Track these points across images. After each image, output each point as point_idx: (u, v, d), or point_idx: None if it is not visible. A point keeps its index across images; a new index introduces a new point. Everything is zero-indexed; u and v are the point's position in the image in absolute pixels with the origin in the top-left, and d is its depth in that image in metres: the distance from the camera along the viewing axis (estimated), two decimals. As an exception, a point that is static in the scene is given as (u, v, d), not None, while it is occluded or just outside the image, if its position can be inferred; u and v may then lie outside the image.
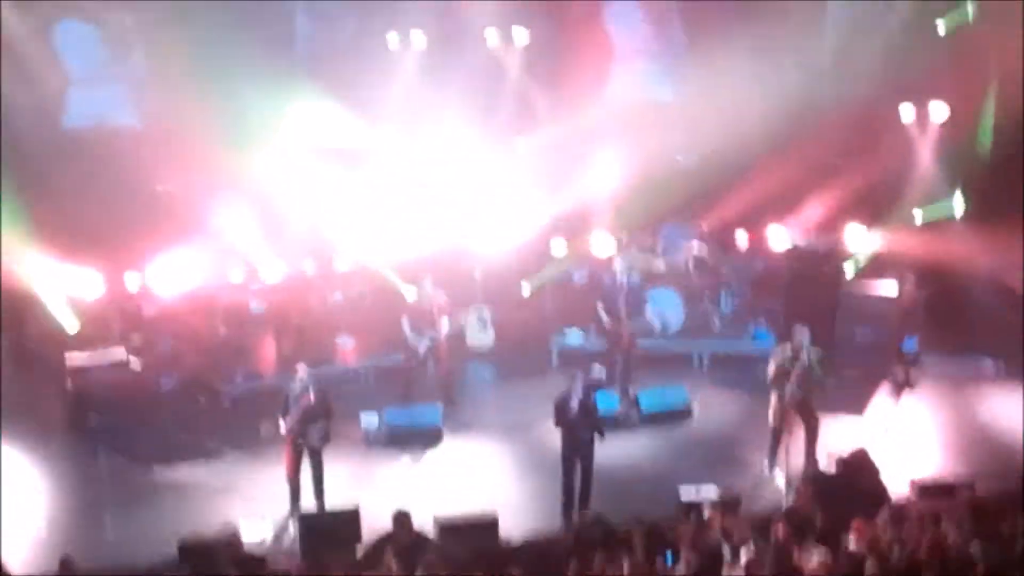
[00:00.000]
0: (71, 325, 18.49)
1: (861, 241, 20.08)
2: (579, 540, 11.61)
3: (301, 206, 20.47)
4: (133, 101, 21.52)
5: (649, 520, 11.31)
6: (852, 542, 10.29)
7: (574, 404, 14.31)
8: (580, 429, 14.36)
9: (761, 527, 10.69)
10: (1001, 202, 19.24)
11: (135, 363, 17.93)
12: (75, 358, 17.67)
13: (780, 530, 10.46)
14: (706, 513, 12.21)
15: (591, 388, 15.07)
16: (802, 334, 15.11)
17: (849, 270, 20.04)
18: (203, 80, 19.21)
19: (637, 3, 22.99)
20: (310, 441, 14.54)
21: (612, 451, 15.14)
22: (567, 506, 14.44)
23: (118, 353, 17.94)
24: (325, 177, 20.36)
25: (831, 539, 10.38)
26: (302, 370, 14.84)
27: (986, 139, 20.60)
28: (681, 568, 10.37)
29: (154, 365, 18.33)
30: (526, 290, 20.89)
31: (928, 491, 13.49)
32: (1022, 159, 19.28)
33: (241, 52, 19.51)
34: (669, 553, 10.62)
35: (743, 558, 10.22)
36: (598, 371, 16.93)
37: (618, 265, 18.43)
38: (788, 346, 15.21)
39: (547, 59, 22.03)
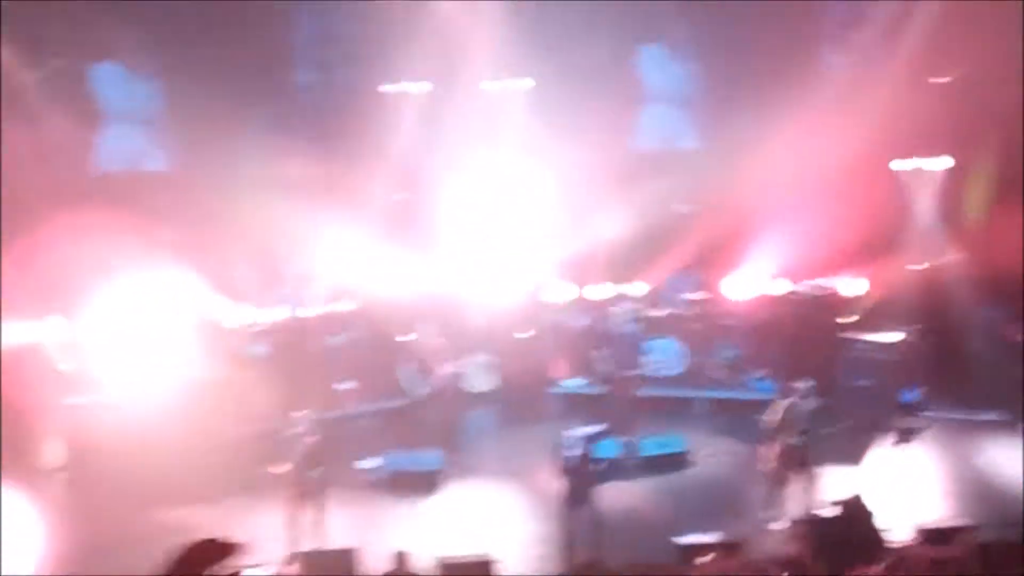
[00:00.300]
0: (67, 367, 18.49)
1: (862, 291, 20.15)
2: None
3: (302, 251, 20.47)
4: (149, 147, 21.61)
5: (645, 565, 11.29)
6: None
7: (573, 452, 14.31)
8: (579, 476, 14.36)
9: (759, 574, 10.66)
10: (999, 252, 19.28)
11: (133, 405, 17.90)
12: (72, 399, 17.66)
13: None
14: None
15: (590, 437, 15.05)
16: (802, 384, 15.21)
17: (850, 320, 20.08)
18: (207, 126, 19.27)
19: (666, 47, 22.95)
20: (310, 485, 14.53)
21: (611, 496, 15.12)
22: (565, 551, 14.38)
23: (115, 395, 17.93)
24: (326, 222, 20.37)
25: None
26: (302, 413, 14.87)
27: (984, 189, 20.71)
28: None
29: (154, 407, 18.27)
30: (527, 337, 20.85)
31: (929, 536, 13.46)
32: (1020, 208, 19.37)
33: (243, 100, 19.67)
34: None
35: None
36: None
37: (619, 313, 18.47)
38: (788, 396, 15.29)
39: (552, 104, 22.00)
